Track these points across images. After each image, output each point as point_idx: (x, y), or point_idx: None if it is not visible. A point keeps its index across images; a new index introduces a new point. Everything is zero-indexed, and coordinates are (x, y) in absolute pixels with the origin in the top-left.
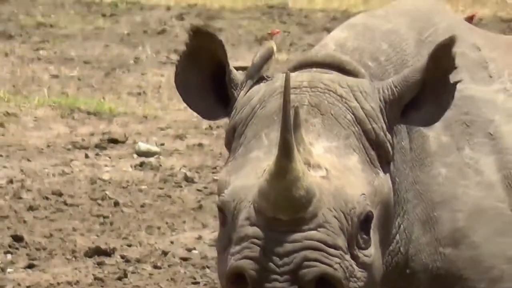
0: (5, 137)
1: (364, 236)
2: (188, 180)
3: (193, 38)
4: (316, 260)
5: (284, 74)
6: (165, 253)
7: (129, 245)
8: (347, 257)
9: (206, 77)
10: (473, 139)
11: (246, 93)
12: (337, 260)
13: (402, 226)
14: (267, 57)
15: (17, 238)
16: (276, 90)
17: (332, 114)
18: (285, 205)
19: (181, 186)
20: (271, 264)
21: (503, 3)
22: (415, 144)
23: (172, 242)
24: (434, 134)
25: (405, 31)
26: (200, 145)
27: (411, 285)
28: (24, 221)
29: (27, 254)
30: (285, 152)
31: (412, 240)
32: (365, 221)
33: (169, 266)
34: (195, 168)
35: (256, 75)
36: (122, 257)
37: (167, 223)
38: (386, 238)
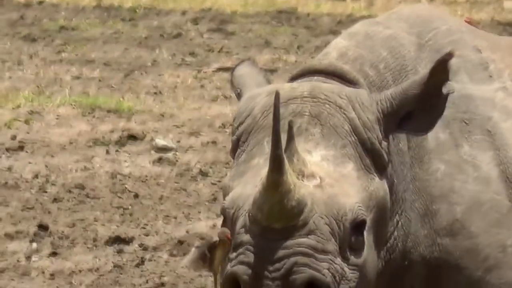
0: (30, 135)
1: (357, 239)
2: (203, 174)
3: None
4: (305, 265)
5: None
6: (181, 242)
7: (147, 234)
8: (338, 260)
9: None
10: (472, 136)
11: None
12: (326, 265)
13: (400, 223)
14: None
15: (42, 228)
16: None
17: (331, 125)
18: (278, 216)
19: (196, 180)
20: (263, 270)
21: (500, 8)
22: (414, 143)
23: (187, 232)
24: (432, 133)
25: (405, 36)
26: (213, 142)
27: (409, 276)
28: (49, 212)
29: (51, 243)
30: (276, 166)
31: (410, 234)
32: (358, 226)
33: (184, 254)
34: (209, 163)
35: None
36: (140, 245)
37: (183, 213)
38: (381, 237)
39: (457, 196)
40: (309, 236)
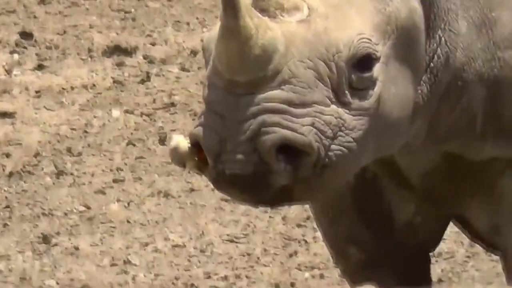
0: None
1: (361, 77)
2: None
3: None
4: (276, 124)
5: None
6: (194, 53)
7: (153, 44)
8: (331, 109)
9: None
10: None
11: None
12: (308, 120)
13: (443, 38)
14: None
15: (26, 35)
16: None
17: None
18: (240, 67)
19: None
20: (227, 132)
21: None
22: None
23: (202, 40)
24: None
25: None
26: None
27: (466, 99)
28: (35, 17)
29: (37, 54)
30: (230, 10)
31: (460, 48)
32: (361, 62)
33: (198, 68)
34: None
35: None
36: (145, 57)
37: (197, 18)
38: (417, 60)
39: None
40: (282, 87)
